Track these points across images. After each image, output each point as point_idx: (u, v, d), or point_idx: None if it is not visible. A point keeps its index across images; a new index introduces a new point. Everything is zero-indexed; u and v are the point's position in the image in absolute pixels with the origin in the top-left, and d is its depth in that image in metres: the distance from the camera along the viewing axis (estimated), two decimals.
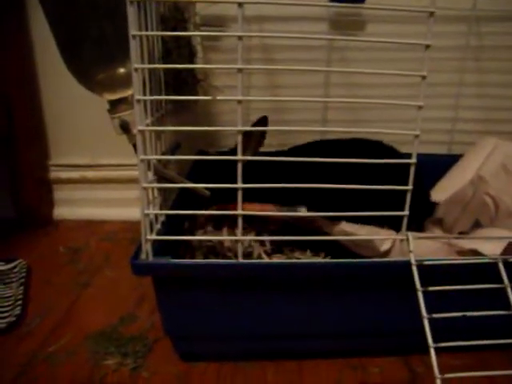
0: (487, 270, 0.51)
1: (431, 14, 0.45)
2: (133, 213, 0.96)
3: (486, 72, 0.95)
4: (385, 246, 0.57)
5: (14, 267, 0.80)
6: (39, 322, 0.67)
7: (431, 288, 0.48)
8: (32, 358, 0.59)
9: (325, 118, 0.97)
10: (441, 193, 0.72)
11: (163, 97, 0.60)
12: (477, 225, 0.70)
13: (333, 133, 0.82)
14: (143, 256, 0.51)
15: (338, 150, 0.71)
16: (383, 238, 0.57)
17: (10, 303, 0.69)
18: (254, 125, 0.66)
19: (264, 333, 0.57)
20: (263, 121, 0.66)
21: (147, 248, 0.50)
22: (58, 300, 0.72)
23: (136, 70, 0.45)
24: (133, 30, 0.44)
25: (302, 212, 0.61)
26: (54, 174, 1.03)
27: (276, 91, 0.96)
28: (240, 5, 0.43)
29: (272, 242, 0.64)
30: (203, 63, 0.90)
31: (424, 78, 0.47)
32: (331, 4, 0.85)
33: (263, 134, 0.68)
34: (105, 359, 0.59)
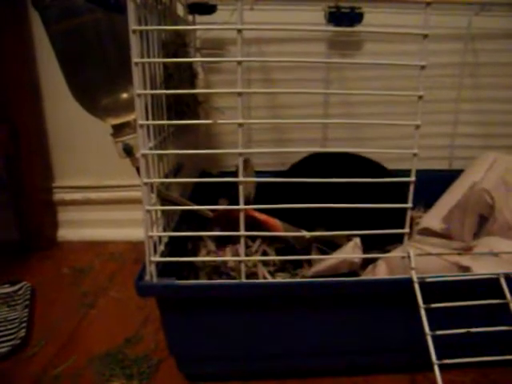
0: (490, 286, 0.51)
1: (425, 36, 0.46)
2: (137, 233, 0.97)
3: (483, 88, 0.96)
4: (358, 258, 0.59)
5: (19, 289, 0.80)
6: (44, 344, 0.67)
7: (434, 305, 0.48)
8: (37, 380, 0.59)
9: (324, 136, 0.99)
10: (435, 218, 0.74)
11: (166, 122, 0.61)
12: (482, 222, 0.71)
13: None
14: (147, 277, 0.51)
15: (334, 166, 0.73)
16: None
17: (14, 326, 0.69)
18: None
19: (269, 352, 0.57)
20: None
21: (151, 269, 0.51)
22: (63, 322, 0.72)
23: (139, 95, 0.46)
24: (135, 58, 0.45)
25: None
26: (58, 195, 1.04)
27: (276, 110, 0.97)
28: (239, 31, 0.44)
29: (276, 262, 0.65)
30: (204, 85, 0.92)
31: (421, 97, 0.48)
32: (329, 29, 0.87)
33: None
34: (110, 381, 0.58)
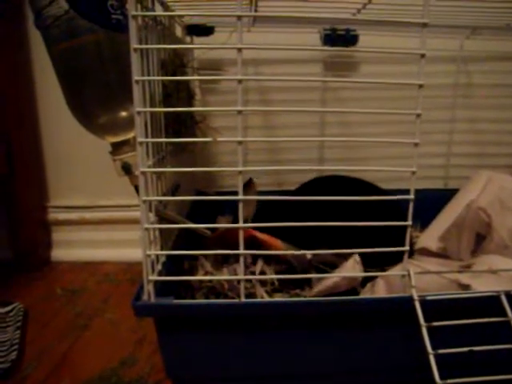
0: (491, 303, 0.51)
1: (422, 55, 0.47)
2: (131, 254, 0.96)
3: (477, 108, 0.98)
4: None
5: (11, 311, 0.78)
6: (35, 367, 0.65)
7: (435, 323, 0.48)
8: None
9: (321, 156, 0.99)
10: (432, 238, 0.74)
11: (165, 139, 0.61)
12: (479, 241, 0.71)
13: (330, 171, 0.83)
14: (145, 297, 0.50)
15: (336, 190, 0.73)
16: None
17: (5, 348, 0.67)
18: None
19: (268, 373, 0.56)
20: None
21: (149, 288, 0.50)
22: (55, 344, 0.71)
23: (139, 113, 0.46)
24: (136, 76, 0.45)
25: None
26: (53, 215, 1.04)
27: (272, 131, 0.98)
28: (239, 50, 0.45)
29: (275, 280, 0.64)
30: (201, 105, 0.93)
31: (419, 116, 0.48)
32: (325, 48, 0.88)
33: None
34: None
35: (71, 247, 1.03)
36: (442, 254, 0.73)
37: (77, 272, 0.97)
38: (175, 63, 0.66)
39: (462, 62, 0.95)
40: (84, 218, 1.03)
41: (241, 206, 0.48)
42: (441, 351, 0.46)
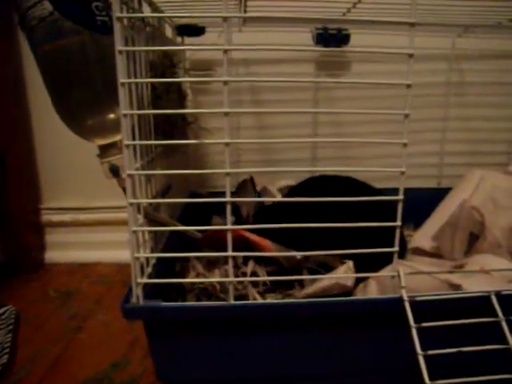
0: (482, 304, 0.50)
1: (410, 55, 0.46)
2: (125, 255, 0.94)
3: (469, 106, 0.98)
4: (350, 281, 0.58)
5: (2, 314, 0.78)
6: (28, 370, 0.65)
7: (425, 324, 0.48)
8: None
9: (313, 156, 0.99)
10: (425, 237, 0.74)
11: (152, 142, 0.60)
12: (472, 240, 0.71)
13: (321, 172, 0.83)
14: (134, 300, 0.50)
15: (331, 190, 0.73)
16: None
17: None
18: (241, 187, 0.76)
19: (261, 375, 0.56)
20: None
21: (138, 292, 0.50)
22: (48, 346, 0.70)
23: (125, 115, 0.46)
24: (121, 78, 0.45)
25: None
26: (46, 217, 1.03)
27: (265, 131, 0.97)
28: (225, 51, 0.45)
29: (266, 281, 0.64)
30: (193, 105, 0.92)
31: (407, 116, 0.48)
32: (317, 49, 0.88)
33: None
34: None
35: (65, 249, 1.03)
36: (435, 254, 0.73)
37: (70, 274, 0.97)
38: (165, 64, 0.66)
39: (454, 60, 0.94)
40: (77, 220, 1.02)
41: (228, 207, 0.48)
42: (430, 352, 0.46)
